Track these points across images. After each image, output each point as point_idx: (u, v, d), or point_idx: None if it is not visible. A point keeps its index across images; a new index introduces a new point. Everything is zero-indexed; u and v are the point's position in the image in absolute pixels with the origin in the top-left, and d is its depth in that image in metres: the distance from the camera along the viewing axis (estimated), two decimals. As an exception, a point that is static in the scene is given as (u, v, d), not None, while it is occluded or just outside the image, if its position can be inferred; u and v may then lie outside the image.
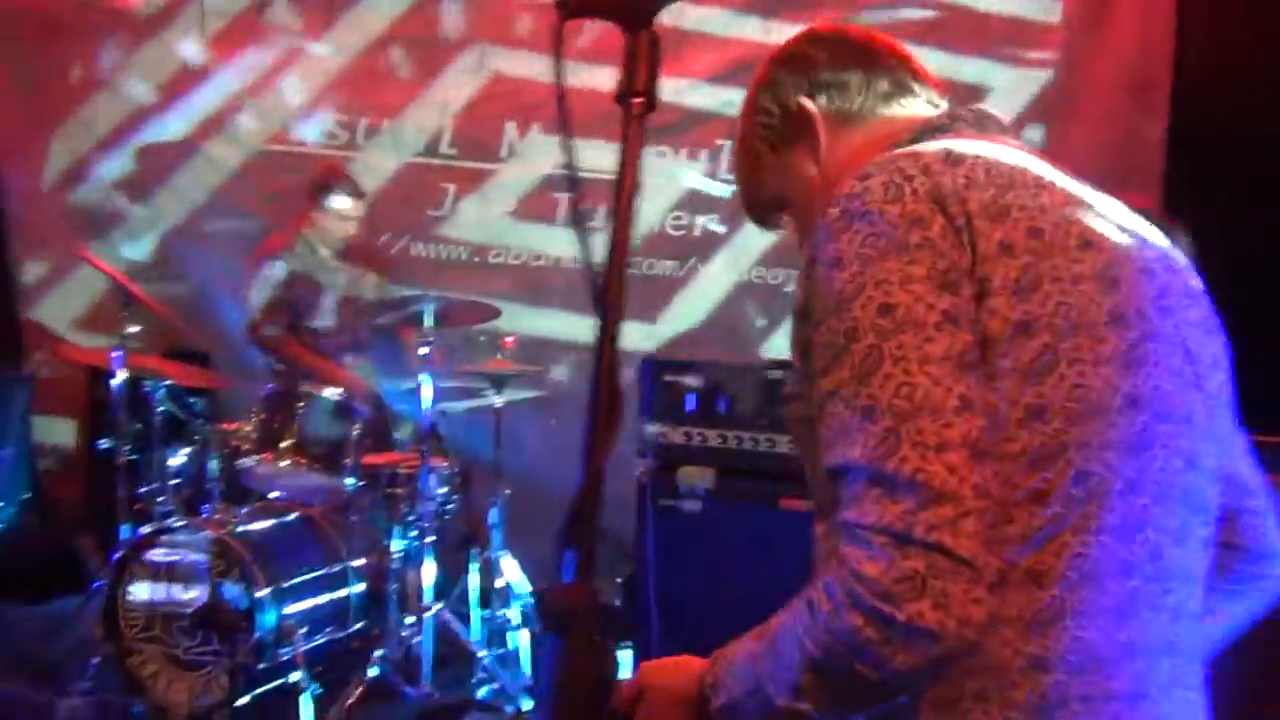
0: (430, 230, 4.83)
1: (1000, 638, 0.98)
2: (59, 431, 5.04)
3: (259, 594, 3.08)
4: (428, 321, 3.21)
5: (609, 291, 0.95)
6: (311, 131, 4.89)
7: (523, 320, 4.44)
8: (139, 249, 4.98)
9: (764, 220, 1.36)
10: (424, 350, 3.21)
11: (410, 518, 3.50)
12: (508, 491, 3.62)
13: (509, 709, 3.21)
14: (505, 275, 4.75)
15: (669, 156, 4.76)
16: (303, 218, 4.04)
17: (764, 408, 2.80)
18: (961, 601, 0.93)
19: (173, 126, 4.95)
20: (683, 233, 4.82)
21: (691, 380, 2.83)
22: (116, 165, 4.98)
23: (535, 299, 4.72)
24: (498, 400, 3.60)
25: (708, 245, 4.81)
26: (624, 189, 0.98)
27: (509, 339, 3.66)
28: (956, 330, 0.99)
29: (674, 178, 4.79)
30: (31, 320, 5.13)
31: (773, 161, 1.28)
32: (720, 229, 4.80)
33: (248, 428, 3.39)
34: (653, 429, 2.85)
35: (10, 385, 4.45)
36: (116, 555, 3.25)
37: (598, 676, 0.86)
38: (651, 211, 4.72)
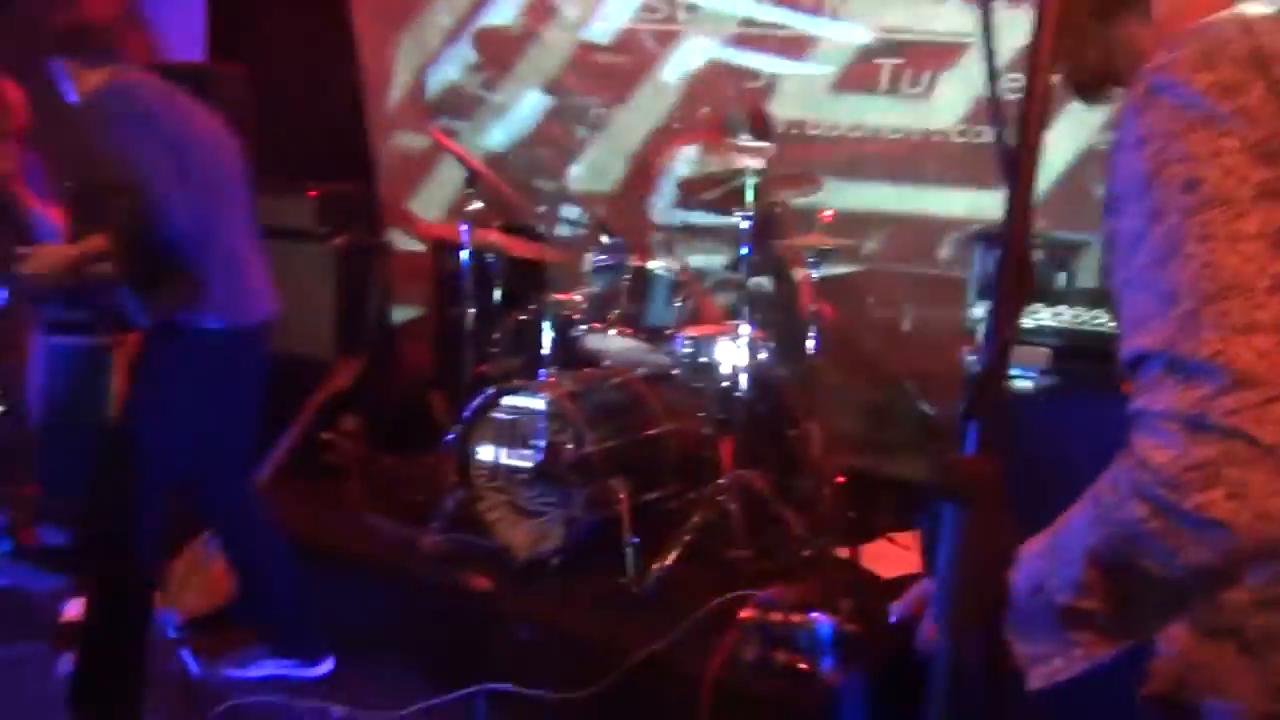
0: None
1: None
2: (410, 299, 5.58)
3: (588, 451, 3.30)
4: (748, 196, 3.23)
5: (1022, 155, 0.89)
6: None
7: (840, 194, 4.35)
8: (495, 136, 5.34)
9: (1092, 96, 1.25)
10: (745, 224, 3.23)
11: (726, 385, 3.61)
12: (817, 363, 3.62)
13: (820, 577, 3.28)
14: (823, 148, 4.65)
15: (1004, 10, 4.38)
16: (711, 135, 4.13)
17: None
18: (1261, 493, 0.85)
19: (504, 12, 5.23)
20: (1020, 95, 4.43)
21: (1025, 255, 2.67)
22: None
23: (854, 171, 4.60)
24: (814, 274, 3.57)
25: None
26: (1041, 39, 0.91)
27: (827, 213, 3.60)
28: (1275, 205, 0.89)
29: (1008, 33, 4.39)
30: (387, 197, 5.68)
31: (1099, 32, 1.16)
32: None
33: (579, 298, 3.59)
34: (979, 306, 2.73)
35: (373, 256, 4.93)
36: (466, 413, 3.58)
37: (1000, 549, 0.85)
38: (982, 72, 4.39)
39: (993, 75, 0.97)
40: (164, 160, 2.73)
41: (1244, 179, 0.91)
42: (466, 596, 3.26)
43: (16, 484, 4.10)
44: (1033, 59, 0.92)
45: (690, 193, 4.04)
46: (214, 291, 2.87)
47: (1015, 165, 0.90)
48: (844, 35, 4.57)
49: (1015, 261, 0.89)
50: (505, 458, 3.50)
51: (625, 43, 4.94)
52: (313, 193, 4.84)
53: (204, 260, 2.85)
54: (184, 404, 2.93)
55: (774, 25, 4.71)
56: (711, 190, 3.60)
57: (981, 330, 2.72)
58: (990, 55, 1.00)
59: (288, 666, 3.21)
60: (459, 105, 5.40)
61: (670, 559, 3.26)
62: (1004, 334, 0.90)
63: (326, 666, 3.24)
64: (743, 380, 3.46)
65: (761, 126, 4.00)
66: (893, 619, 1.22)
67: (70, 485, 4.20)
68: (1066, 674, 0.99)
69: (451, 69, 5.45)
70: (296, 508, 3.89)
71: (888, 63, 4.45)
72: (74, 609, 3.52)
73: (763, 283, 3.78)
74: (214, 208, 2.87)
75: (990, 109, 0.97)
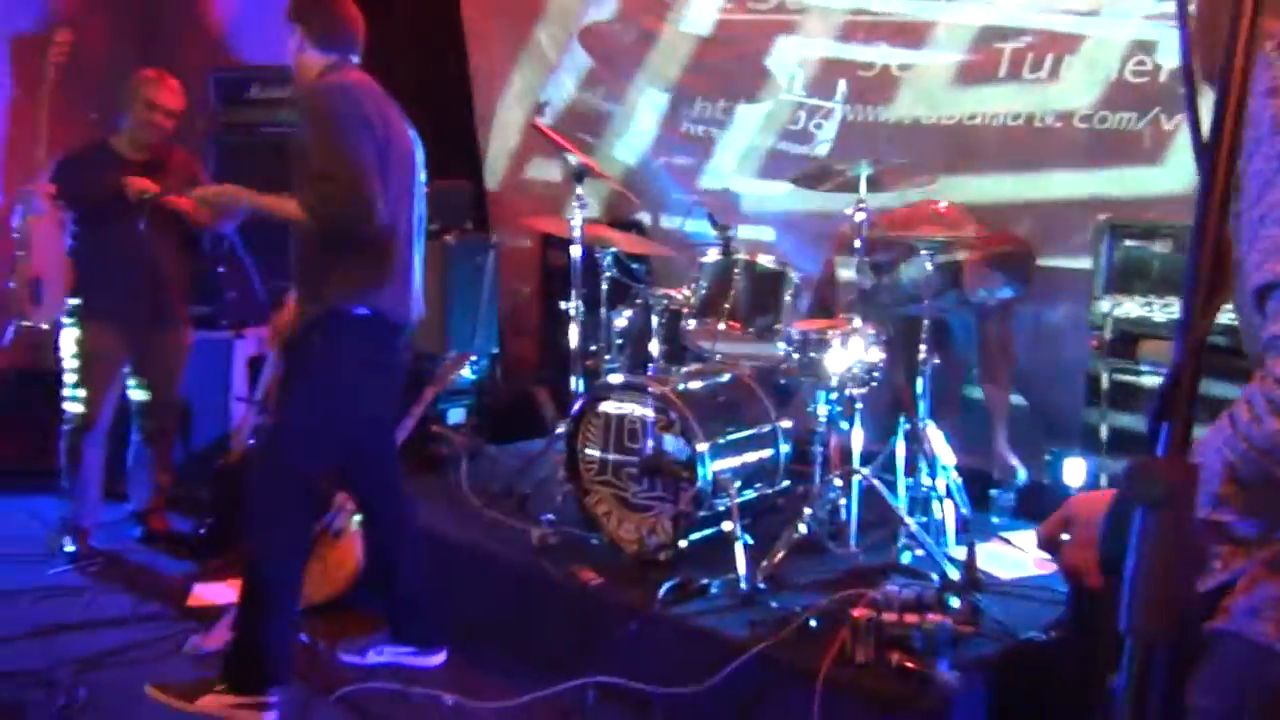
0: (861, 92, 4.71)
1: None
2: (518, 294, 5.65)
3: (698, 447, 3.29)
4: (862, 188, 3.17)
5: (1217, 147, 0.85)
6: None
7: (956, 184, 4.23)
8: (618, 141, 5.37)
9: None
10: (860, 216, 3.18)
11: (836, 382, 3.56)
12: (936, 361, 3.53)
13: (933, 577, 3.21)
14: (939, 137, 4.53)
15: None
16: None
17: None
18: None
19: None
20: (1145, 79, 4.14)
21: (1157, 246, 2.56)
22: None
23: (970, 162, 4.46)
24: (928, 266, 3.49)
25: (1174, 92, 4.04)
26: (1242, 23, 0.86)
27: (942, 205, 3.52)
28: None
29: (1128, 14, 4.12)
30: (495, 194, 5.76)
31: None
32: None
33: (688, 293, 3.57)
34: (1107, 299, 2.63)
35: (482, 252, 5.01)
36: (576, 407, 3.60)
37: (1189, 554, 0.82)
38: (1108, 57, 4.19)
39: (1188, 77, 0.93)
40: (376, 161, 2.87)
41: None
42: (576, 590, 3.28)
43: (151, 472, 4.29)
44: (1228, 54, 0.88)
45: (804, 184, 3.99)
46: (386, 286, 2.99)
47: (1210, 160, 0.86)
48: (963, 18, 4.44)
49: (1209, 258, 0.86)
50: (613, 453, 3.51)
51: (735, 33, 4.90)
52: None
53: (387, 256, 2.98)
54: (341, 389, 3.02)
55: (888, 13, 4.62)
56: (825, 182, 3.54)
57: (1110, 325, 2.61)
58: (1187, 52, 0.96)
59: (405, 654, 3.28)
60: (577, 116, 5.45)
61: (780, 555, 3.23)
62: (1196, 333, 0.88)
63: (441, 657, 3.30)
64: (855, 376, 3.41)
65: None
66: (1039, 540, 1.32)
67: (198, 475, 4.38)
68: (1207, 585, 1.09)
69: (567, 78, 5.51)
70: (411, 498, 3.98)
71: (1008, 47, 4.31)
72: (201, 592, 3.66)
73: (876, 277, 3.71)
74: (398, 210, 3.00)
75: (1187, 107, 0.93)
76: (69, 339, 4.06)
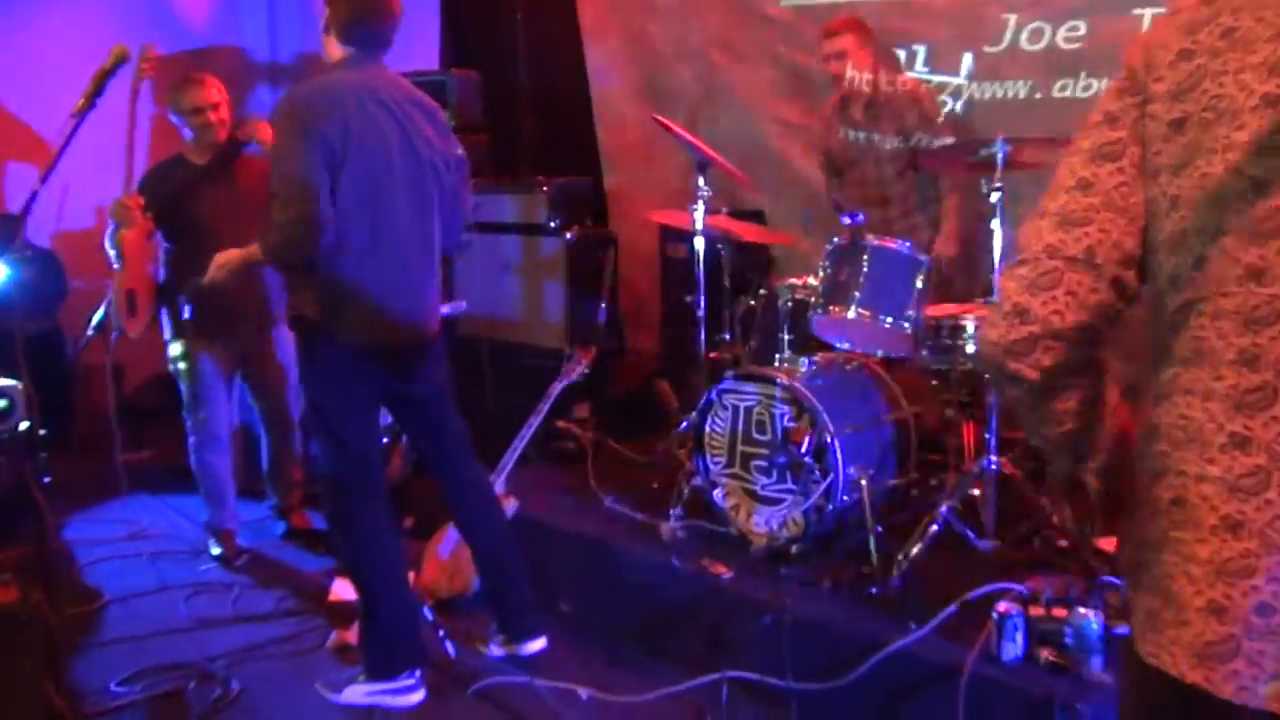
0: (988, 66, 4.51)
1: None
2: (639, 287, 5.64)
3: (828, 438, 3.21)
4: (999, 165, 3.04)
5: None
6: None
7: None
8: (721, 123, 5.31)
9: None
10: (995, 196, 3.05)
11: (971, 369, 3.43)
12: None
13: (1082, 569, 3.06)
14: (1072, 109, 4.31)
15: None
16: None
17: None
18: (990, 331, 1.32)
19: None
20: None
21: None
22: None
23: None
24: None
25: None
26: None
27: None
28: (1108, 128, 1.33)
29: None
30: (614, 189, 5.77)
31: None
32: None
33: (814, 280, 3.50)
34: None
35: (602, 247, 5.02)
36: (701, 399, 3.57)
37: None
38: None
39: None
40: (323, 175, 2.76)
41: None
42: (707, 583, 3.25)
43: (285, 471, 4.42)
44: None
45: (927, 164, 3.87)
46: (347, 312, 2.90)
47: None
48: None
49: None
50: (741, 445, 3.46)
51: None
52: (546, 187, 4.97)
53: (341, 280, 2.87)
54: (325, 405, 3.05)
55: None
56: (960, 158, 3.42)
57: None
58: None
59: (506, 643, 3.30)
60: (694, 106, 5.41)
61: (915, 548, 3.13)
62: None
63: (539, 644, 3.28)
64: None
65: None
66: None
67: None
68: None
69: (684, 69, 5.47)
70: (537, 494, 4.02)
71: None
72: (339, 588, 3.76)
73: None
74: (377, 224, 2.89)
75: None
76: (175, 353, 4.09)
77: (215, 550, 4.25)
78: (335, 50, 2.93)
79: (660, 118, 3.94)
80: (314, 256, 2.83)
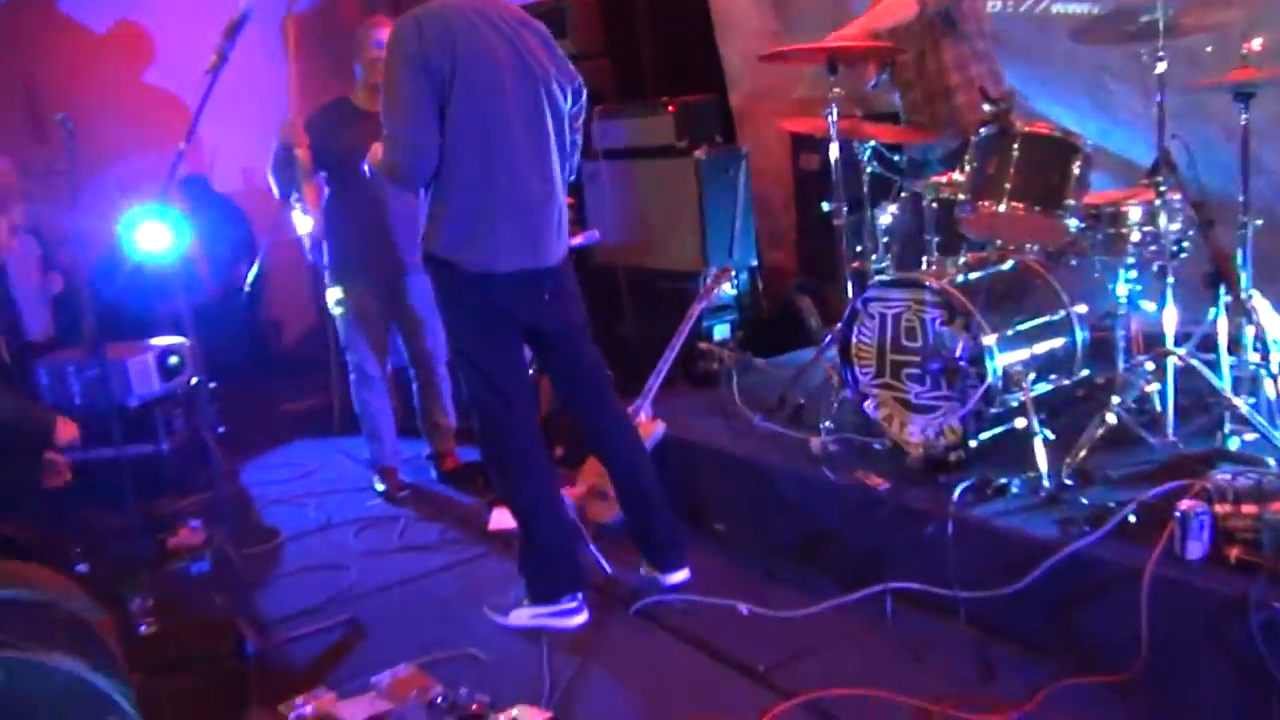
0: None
1: None
2: (773, 200, 5.51)
3: (985, 341, 3.07)
4: (1161, 31, 2.80)
5: None
6: None
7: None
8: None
9: None
10: (1160, 67, 2.81)
11: (1138, 259, 3.22)
12: (1259, 222, 3.10)
13: (1270, 463, 2.86)
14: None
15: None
16: None
17: None
18: None
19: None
20: None
21: None
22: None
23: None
24: (1243, 118, 3.05)
25: None
26: None
27: (1256, 42, 3.04)
28: None
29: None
30: (740, 103, 5.62)
31: None
32: None
33: (960, 177, 3.32)
34: None
35: (734, 164, 4.90)
36: (847, 310, 3.46)
37: None
38: None
39: None
40: (430, 103, 2.81)
41: None
42: (862, 496, 3.18)
43: (434, 413, 4.51)
44: None
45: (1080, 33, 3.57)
46: (467, 237, 2.92)
47: None
48: None
49: None
50: (891, 353, 3.34)
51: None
52: (672, 108, 4.88)
53: (461, 206, 2.90)
54: (459, 330, 3.09)
55: None
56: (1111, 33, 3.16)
57: None
58: None
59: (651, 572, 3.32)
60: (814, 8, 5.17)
61: (1085, 450, 2.98)
62: None
63: (681, 575, 3.27)
64: (1160, 249, 3.06)
65: None
66: None
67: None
68: None
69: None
70: (684, 417, 4.00)
71: None
72: (498, 517, 3.85)
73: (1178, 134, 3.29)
74: (488, 150, 2.88)
75: None
76: (332, 298, 4.19)
77: (379, 486, 4.41)
78: None
79: (773, 49, 3.75)
80: (422, 183, 2.93)
